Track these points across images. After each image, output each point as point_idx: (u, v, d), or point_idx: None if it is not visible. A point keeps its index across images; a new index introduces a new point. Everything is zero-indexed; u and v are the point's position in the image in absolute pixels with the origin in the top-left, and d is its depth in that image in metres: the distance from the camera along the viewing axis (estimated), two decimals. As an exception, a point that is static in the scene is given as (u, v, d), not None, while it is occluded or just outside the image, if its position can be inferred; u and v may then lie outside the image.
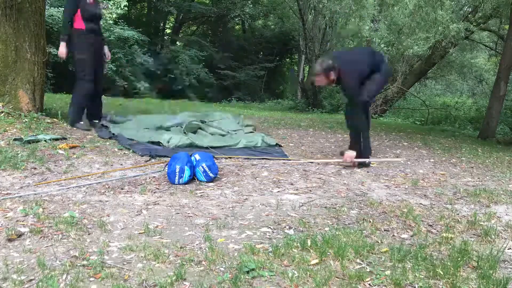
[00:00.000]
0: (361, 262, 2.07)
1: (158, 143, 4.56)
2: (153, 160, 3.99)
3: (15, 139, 4.12)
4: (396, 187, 3.63)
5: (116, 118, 5.74)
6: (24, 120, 4.82)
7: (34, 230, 2.22)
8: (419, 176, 4.08)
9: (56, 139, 4.38)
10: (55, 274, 1.80)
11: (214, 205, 2.83)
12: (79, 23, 4.96)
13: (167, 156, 3.92)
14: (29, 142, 4.09)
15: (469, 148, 6.42)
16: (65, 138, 4.50)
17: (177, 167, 3.23)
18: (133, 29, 13.45)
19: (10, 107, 4.99)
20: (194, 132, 5.26)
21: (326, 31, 13.19)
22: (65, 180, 3.19)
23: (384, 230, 2.54)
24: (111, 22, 13.11)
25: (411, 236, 2.48)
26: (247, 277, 1.85)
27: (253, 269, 1.90)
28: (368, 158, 4.41)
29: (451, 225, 2.68)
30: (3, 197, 2.70)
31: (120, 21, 13.90)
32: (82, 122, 5.13)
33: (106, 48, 5.38)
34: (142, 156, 4.09)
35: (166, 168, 3.34)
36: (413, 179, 3.89)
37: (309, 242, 2.21)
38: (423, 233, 2.52)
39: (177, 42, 18.67)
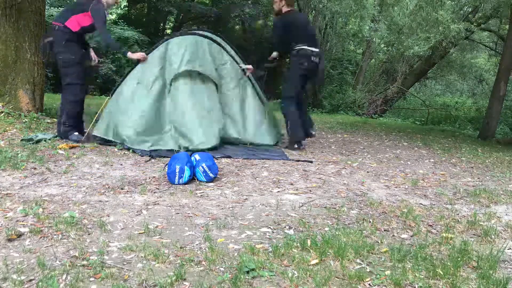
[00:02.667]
0: (361, 262, 2.07)
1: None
2: (153, 160, 3.99)
3: (22, 140, 4.12)
4: (396, 187, 3.63)
5: None
6: (24, 120, 4.83)
7: (34, 230, 2.22)
8: (419, 176, 4.08)
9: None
10: (55, 274, 1.80)
11: (214, 205, 2.83)
12: (74, 25, 4.35)
13: (167, 156, 3.92)
14: (30, 141, 4.10)
15: (469, 148, 6.42)
16: (65, 138, 4.50)
17: (177, 167, 3.23)
18: (133, 29, 13.42)
19: (10, 107, 4.99)
20: None
21: (326, 31, 13.19)
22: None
23: (384, 230, 2.54)
24: (111, 22, 13.10)
25: (411, 236, 2.48)
26: (247, 277, 1.85)
27: (253, 269, 1.90)
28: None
29: (451, 225, 2.68)
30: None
31: (120, 21, 13.89)
32: (76, 133, 4.52)
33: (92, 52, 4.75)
34: (142, 156, 4.09)
35: (166, 168, 3.34)
36: (413, 179, 3.89)
37: (309, 242, 2.21)
38: (423, 233, 2.52)
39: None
